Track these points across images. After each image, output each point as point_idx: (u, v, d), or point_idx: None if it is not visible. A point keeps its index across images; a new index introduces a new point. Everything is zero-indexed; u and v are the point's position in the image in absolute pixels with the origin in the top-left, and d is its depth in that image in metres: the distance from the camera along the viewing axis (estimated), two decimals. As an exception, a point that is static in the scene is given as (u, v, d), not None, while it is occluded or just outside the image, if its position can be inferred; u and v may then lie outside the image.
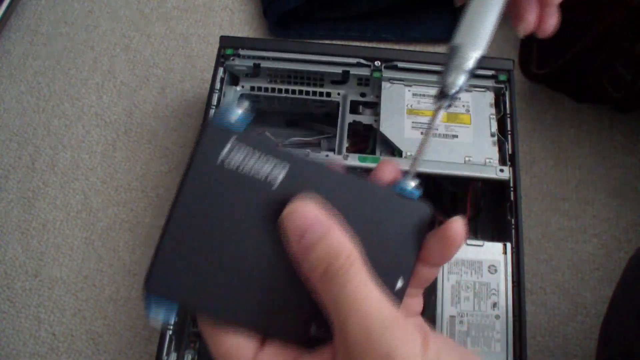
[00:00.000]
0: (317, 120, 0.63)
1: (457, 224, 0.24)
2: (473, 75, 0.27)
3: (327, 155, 0.53)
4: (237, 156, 0.22)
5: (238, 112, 0.23)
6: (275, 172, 0.23)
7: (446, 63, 0.27)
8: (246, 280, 0.23)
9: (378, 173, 0.26)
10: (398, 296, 0.24)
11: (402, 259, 0.24)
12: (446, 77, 0.26)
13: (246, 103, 0.22)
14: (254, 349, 0.23)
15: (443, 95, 0.27)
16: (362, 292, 0.21)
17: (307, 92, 0.59)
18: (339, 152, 0.55)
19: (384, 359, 0.20)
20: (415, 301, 0.26)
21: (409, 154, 0.53)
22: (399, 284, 0.24)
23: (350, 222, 0.23)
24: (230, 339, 0.23)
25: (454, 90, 0.26)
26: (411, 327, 0.21)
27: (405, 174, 0.25)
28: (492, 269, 0.49)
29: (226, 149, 0.22)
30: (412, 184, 0.24)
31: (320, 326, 0.23)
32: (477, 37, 0.28)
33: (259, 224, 0.23)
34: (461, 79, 0.27)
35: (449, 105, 0.26)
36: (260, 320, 0.24)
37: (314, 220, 0.21)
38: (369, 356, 0.20)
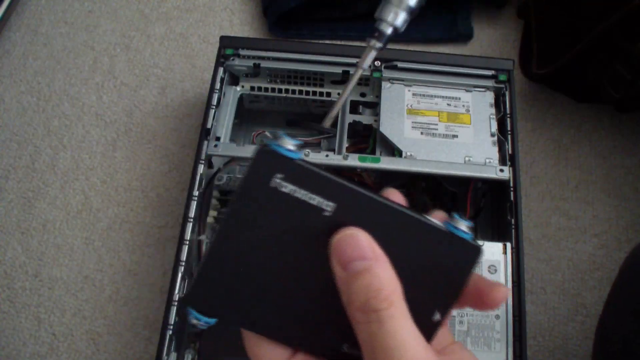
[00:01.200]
0: (317, 120, 0.63)
1: (500, 294, 0.24)
2: (414, 15, 0.25)
3: (327, 156, 0.53)
4: (290, 180, 0.22)
5: (295, 142, 0.23)
6: (328, 200, 0.23)
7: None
8: (286, 297, 0.24)
9: None
10: (433, 329, 0.24)
11: (444, 295, 0.24)
12: (383, 13, 0.24)
13: (298, 141, 0.23)
14: (286, 356, 0.24)
15: (379, 35, 0.24)
16: (402, 335, 0.21)
17: (307, 92, 0.59)
18: (339, 152, 0.55)
19: None
20: (444, 331, 0.26)
21: (409, 154, 0.53)
22: (436, 317, 0.24)
23: (399, 255, 0.23)
24: (265, 346, 0.24)
25: (390, 30, 0.24)
26: None
27: (454, 220, 0.25)
28: (492, 269, 0.49)
29: (280, 172, 0.22)
30: (464, 226, 0.24)
31: (352, 346, 0.24)
32: None
33: (305, 246, 0.23)
34: (400, 17, 0.24)
35: (382, 48, 0.24)
36: (295, 335, 0.24)
37: (363, 251, 0.21)
38: None
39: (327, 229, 0.23)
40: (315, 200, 0.22)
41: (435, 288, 0.24)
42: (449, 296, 0.24)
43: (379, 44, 0.24)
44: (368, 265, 0.21)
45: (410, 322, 0.21)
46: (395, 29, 0.23)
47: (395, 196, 0.25)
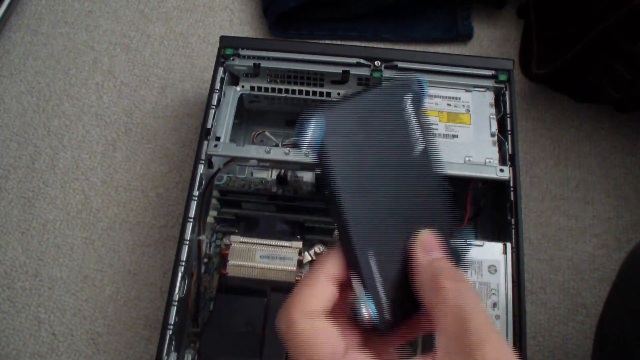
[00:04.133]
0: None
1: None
2: None
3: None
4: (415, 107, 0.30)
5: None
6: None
7: None
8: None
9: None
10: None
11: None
12: None
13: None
14: (344, 346, 0.27)
15: None
16: (477, 298, 0.27)
17: (307, 92, 0.59)
18: (339, 152, 0.55)
19: (503, 348, 0.24)
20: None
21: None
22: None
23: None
24: (336, 336, 0.27)
25: None
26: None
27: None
28: (492, 269, 0.49)
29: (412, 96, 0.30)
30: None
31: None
32: None
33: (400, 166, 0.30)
34: None
35: None
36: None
37: (438, 246, 0.29)
38: (490, 345, 0.24)
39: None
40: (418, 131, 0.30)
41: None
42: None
43: None
44: (441, 255, 0.28)
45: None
46: None
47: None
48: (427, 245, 0.29)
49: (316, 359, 0.26)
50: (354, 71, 0.58)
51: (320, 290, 0.27)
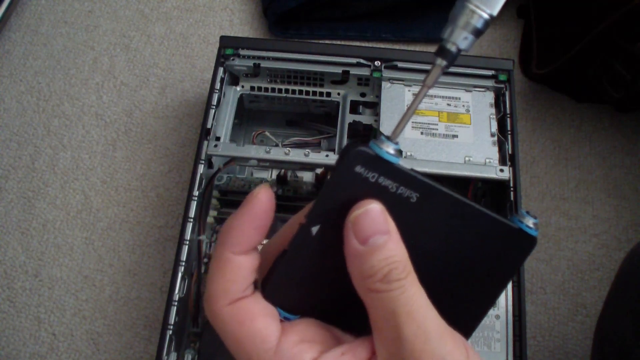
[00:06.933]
0: (317, 120, 0.63)
1: None
2: (480, 36, 0.26)
3: (327, 156, 0.53)
4: (386, 176, 0.23)
5: (395, 146, 0.24)
6: (413, 191, 0.24)
7: (453, 18, 0.25)
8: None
9: None
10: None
11: (484, 289, 0.26)
12: (453, 36, 0.24)
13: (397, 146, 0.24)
14: (278, 330, 0.24)
15: (446, 54, 0.25)
16: (420, 301, 0.23)
17: (307, 92, 0.59)
18: (339, 152, 0.55)
19: None
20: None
21: (409, 154, 0.53)
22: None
23: (457, 244, 0.25)
24: (261, 319, 0.24)
25: (456, 49, 0.25)
26: (460, 339, 0.23)
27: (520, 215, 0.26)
28: (492, 269, 0.49)
29: (377, 172, 0.23)
30: (531, 223, 0.25)
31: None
32: None
33: None
34: (469, 40, 0.25)
35: (448, 67, 0.25)
36: (327, 316, 0.26)
37: (381, 226, 0.23)
38: (425, 359, 0.22)
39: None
40: (402, 190, 0.24)
41: (480, 281, 0.25)
42: (492, 288, 0.26)
43: (445, 62, 0.25)
44: (387, 239, 0.23)
45: (423, 290, 0.23)
46: (461, 50, 0.24)
47: None
48: (364, 229, 0.22)
49: (248, 349, 0.23)
50: (354, 71, 0.58)
51: (229, 268, 0.24)
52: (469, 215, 0.25)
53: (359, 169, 0.23)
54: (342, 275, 0.24)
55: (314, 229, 0.24)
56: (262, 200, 0.24)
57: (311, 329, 0.25)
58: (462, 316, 0.26)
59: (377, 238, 0.22)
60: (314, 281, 0.25)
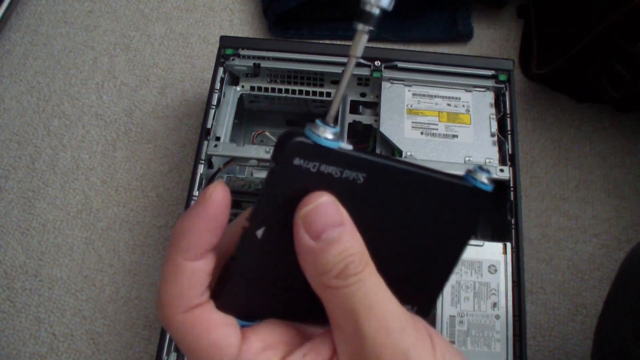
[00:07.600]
0: (317, 120, 0.63)
1: None
2: None
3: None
4: (327, 163, 0.22)
5: (332, 129, 0.22)
6: (359, 172, 0.22)
7: None
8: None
9: None
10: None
11: (445, 252, 0.25)
12: None
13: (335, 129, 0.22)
14: (238, 339, 0.23)
15: (367, 17, 0.22)
16: (379, 293, 0.22)
17: (307, 92, 0.59)
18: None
19: (402, 357, 0.21)
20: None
21: (409, 153, 0.53)
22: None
23: (411, 215, 0.23)
24: (219, 329, 0.22)
25: (377, 10, 0.22)
26: (422, 327, 0.22)
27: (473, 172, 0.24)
28: (492, 269, 0.49)
29: (307, 158, 0.21)
30: (485, 177, 0.24)
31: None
32: None
33: None
34: None
35: (372, 31, 0.22)
36: (284, 313, 0.24)
37: (334, 218, 0.21)
38: (387, 354, 0.21)
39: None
40: (347, 174, 0.22)
41: (438, 244, 0.24)
42: (451, 251, 0.25)
43: (367, 27, 0.22)
44: (342, 231, 0.21)
45: (381, 279, 0.22)
46: (383, 9, 0.22)
47: None
48: (316, 224, 0.21)
49: (204, 354, 0.22)
50: (354, 71, 0.58)
51: (183, 273, 0.22)
52: (420, 184, 0.24)
53: (297, 161, 0.21)
54: (297, 271, 0.22)
55: (259, 232, 0.22)
56: (217, 200, 0.22)
57: (276, 330, 0.24)
58: (422, 292, 0.25)
59: (331, 232, 0.21)
60: (269, 284, 0.24)
